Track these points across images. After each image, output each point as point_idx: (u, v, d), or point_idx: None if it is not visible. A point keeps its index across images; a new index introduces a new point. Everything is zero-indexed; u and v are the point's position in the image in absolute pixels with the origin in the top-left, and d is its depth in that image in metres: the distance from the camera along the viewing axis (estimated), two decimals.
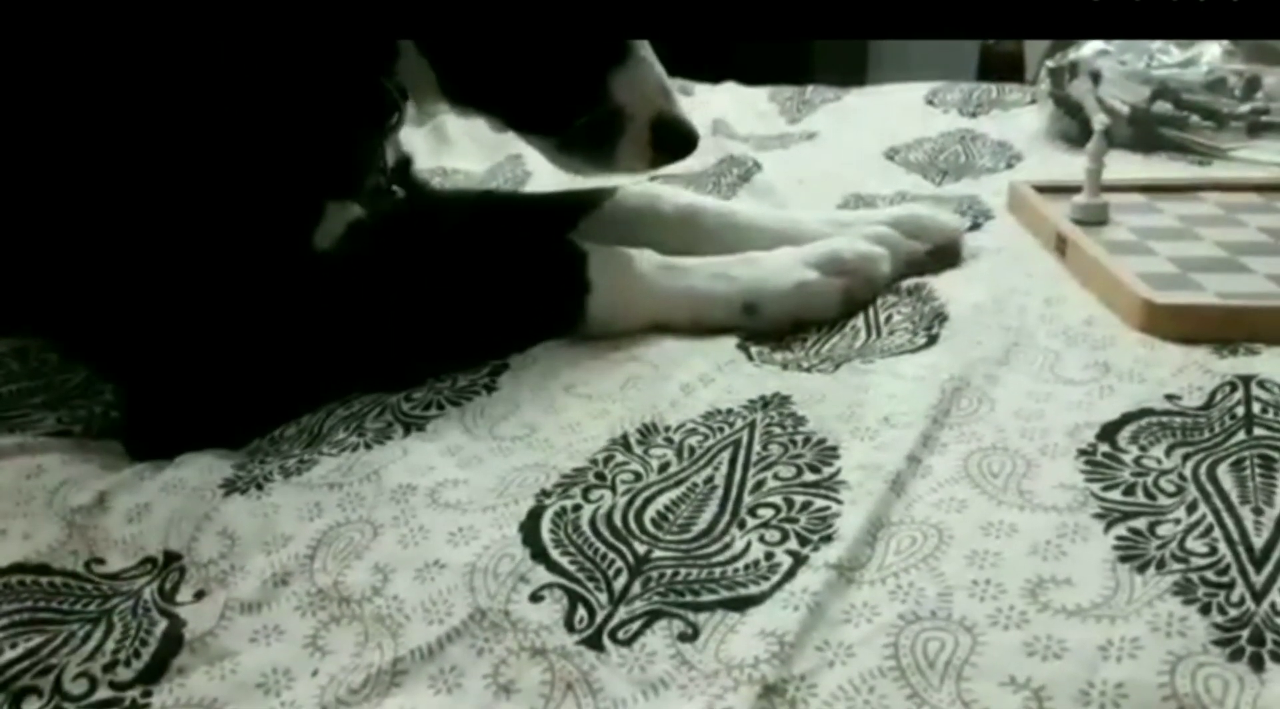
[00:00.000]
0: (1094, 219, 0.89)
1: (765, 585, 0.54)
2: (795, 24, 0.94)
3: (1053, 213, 0.91)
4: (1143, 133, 1.21)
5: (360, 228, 0.81)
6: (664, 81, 0.81)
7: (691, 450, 0.65)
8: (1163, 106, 1.21)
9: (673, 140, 0.82)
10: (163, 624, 0.56)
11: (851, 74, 2.32)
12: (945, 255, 0.89)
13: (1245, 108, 1.21)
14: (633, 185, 0.95)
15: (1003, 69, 2.46)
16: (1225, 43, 1.27)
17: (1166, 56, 1.27)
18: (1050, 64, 1.28)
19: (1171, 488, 0.58)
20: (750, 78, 1.59)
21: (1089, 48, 1.29)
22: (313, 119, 0.77)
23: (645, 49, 0.81)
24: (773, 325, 0.78)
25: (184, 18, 0.73)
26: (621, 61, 0.80)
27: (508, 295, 0.79)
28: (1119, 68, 1.25)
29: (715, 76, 1.59)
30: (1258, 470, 0.58)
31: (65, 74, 0.76)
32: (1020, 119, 1.32)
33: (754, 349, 0.76)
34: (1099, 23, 0.98)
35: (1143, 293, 0.74)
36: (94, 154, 0.75)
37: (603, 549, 0.57)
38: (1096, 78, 1.24)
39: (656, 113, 0.81)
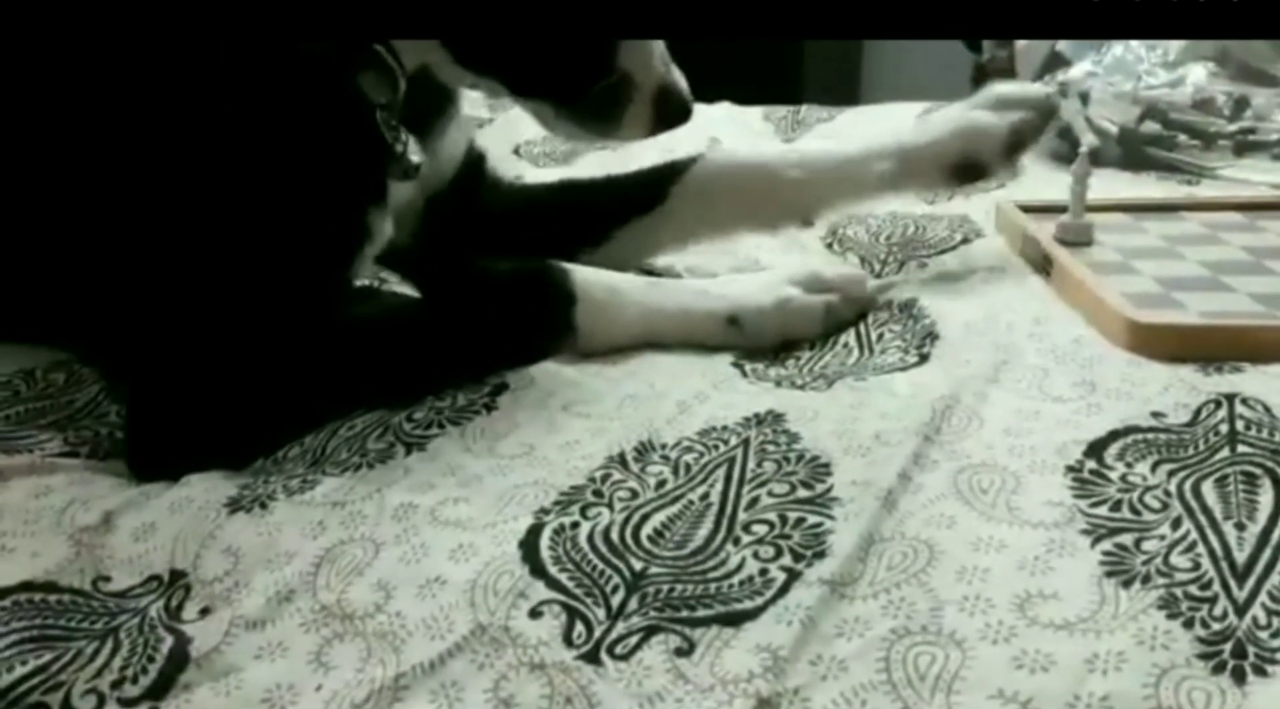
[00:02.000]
0: (1079, 239, 0.90)
1: (760, 601, 0.55)
2: (793, 22, 0.96)
3: (1038, 233, 0.92)
4: (1131, 152, 1.22)
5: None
6: (664, 50, 0.83)
7: (688, 467, 0.65)
8: (1151, 126, 1.23)
9: (673, 109, 0.83)
10: (169, 641, 0.57)
11: (843, 94, 2.33)
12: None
13: (1233, 127, 1.23)
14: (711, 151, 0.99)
15: None
16: (1210, 64, 1.29)
17: (1154, 78, 1.28)
18: (1039, 85, 1.29)
19: (1157, 504, 0.59)
20: (740, 97, 1.60)
21: (1078, 69, 1.31)
22: (292, 129, 0.77)
23: None
24: (757, 340, 0.80)
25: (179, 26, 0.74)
26: None
27: (497, 310, 0.80)
28: (1108, 88, 1.27)
29: (706, 96, 1.60)
30: (1241, 486, 0.59)
31: (72, 82, 0.77)
32: None
33: (748, 366, 0.77)
34: (1099, 23, 0.99)
35: (1126, 313, 0.75)
36: (100, 165, 0.77)
37: (600, 566, 0.58)
38: (1085, 98, 1.26)
39: (660, 81, 0.82)
